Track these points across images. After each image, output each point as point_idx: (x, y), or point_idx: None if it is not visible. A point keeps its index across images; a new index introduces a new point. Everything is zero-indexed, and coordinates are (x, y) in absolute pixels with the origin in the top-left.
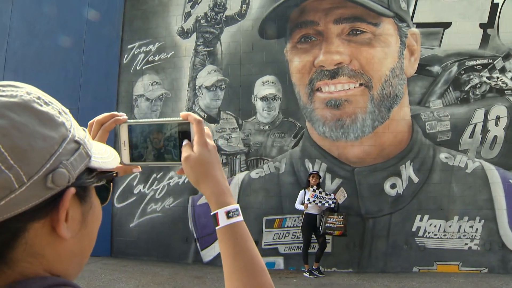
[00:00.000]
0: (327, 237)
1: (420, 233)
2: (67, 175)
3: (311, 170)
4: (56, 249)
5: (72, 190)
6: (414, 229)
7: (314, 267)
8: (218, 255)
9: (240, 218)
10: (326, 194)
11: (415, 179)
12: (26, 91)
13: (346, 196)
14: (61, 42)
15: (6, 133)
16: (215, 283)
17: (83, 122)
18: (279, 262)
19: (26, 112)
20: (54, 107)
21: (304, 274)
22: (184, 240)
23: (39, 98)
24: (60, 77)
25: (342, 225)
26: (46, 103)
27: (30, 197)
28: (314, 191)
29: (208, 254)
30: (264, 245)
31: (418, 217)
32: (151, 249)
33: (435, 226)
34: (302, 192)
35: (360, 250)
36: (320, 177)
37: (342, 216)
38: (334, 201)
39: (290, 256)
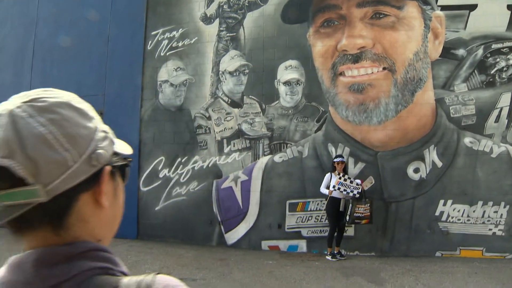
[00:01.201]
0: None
1: (444, 218)
2: (105, 155)
3: (334, 154)
4: (98, 217)
5: (109, 167)
6: (437, 213)
7: (335, 252)
8: (242, 238)
9: None
10: (351, 182)
11: (439, 164)
12: (66, 94)
13: (373, 182)
14: (87, 31)
15: (60, 124)
16: (238, 265)
17: (109, 108)
18: (302, 245)
19: (70, 108)
20: (85, 105)
21: (327, 257)
22: (208, 223)
23: (75, 98)
24: (86, 65)
25: (369, 213)
26: (80, 102)
27: (81, 173)
28: (340, 178)
29: (231, 236)
30: (287, 228)
31: (442, 201)
32: (176, 231)
33: (458, 211)
34: (328, 175)
35: (382, 234)
36: (344, 162)
37: (368, 205)
38: (359, 190)
39: (313, 239)
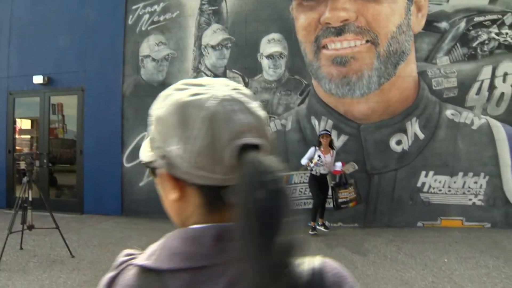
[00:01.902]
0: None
1: (425, 189)
2: None
3: (317, 127)
4: None
5: None
6: (419, 184)
7: (319, 223)
8: None
9: None
10: (322, 162)
11: (421, 136)
12: None
13: (356, 168)
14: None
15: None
16: None
17: (91, 84)
18: None
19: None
20: None
21: (310, 232)
22: None
23: None
24: (66, 41)
25: (355, 195)
26: None
27: None
28: (317, 160)
29: None
30: None
31: (423, 173)
32: (161, 207)
33: (439, 182)
34: (312, 149)
35: (365, 205)
36: (329, 135)
37: (352, 187)
38: (321, 170)
39: (297, 211)
